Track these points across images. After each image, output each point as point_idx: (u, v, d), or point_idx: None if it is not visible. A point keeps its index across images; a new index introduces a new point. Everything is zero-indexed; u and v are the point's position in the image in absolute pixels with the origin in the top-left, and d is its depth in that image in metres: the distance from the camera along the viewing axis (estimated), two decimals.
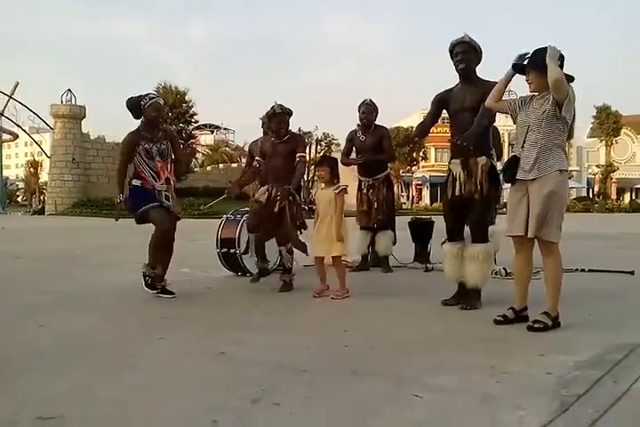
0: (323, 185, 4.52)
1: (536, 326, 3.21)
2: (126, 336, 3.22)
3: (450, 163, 4.04)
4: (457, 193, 3.90)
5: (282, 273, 4.83)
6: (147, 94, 4.41)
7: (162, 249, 4.38)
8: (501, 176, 3.58)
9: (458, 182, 3.89)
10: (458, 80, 4.03)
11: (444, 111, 4.15)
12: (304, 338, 3.13)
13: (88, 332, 3.33)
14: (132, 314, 3.88)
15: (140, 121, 4.44)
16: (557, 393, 2.21)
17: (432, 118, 4.16)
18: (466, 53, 3.91)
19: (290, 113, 4.83)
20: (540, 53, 3.23)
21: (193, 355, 2.81)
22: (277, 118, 4.76)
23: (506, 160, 3.50)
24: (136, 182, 4.35)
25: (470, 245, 3.94)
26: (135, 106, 4.38)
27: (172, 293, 4.40)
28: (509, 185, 3.48)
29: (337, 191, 4.37)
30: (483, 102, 3.71)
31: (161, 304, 4.17)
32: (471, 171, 3.86)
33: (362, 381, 2.40)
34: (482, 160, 3.86)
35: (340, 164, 4.65)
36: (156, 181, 4.36)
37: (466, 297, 3.94)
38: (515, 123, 3.45)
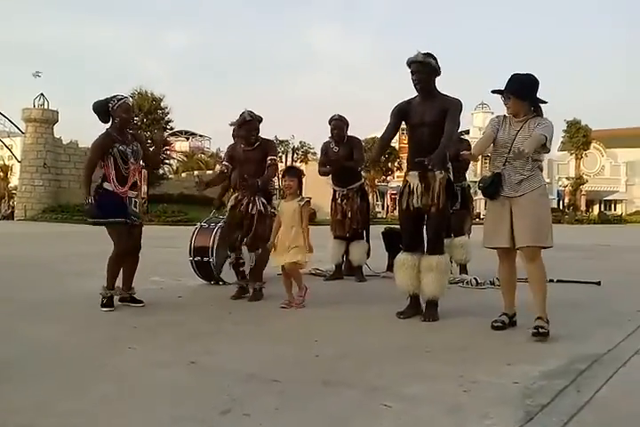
0: (286, 197, 4.52)
1: (541, 331, 3.31)
2: (95, 346, 3.18)
3: (407, 175, 4.08)
4: (415, 205, 3.93)
5: (252, 281, 4.80)
6: (114, 96, 4.26)
7: (124, 263, 4.29)
8: (480, 191, 3.67)
9: (415, 195, 3.94)
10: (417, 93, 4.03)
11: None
12: (275, 348, 3.13)
13: (56, 341, 3.27)
14: (101, 323, 3.83)
15: (109, 124, 4.29)
16: (523, 403, 2.25)
17: (392, 130, 4.15)
18: (420, 73, 3.90)
19: (260, 120, 4.82)
20: (517, 80, 3.52)
21: (163, 365, 2.78)
22: (248, 126, 4.75)
23: (488, 176, 3.60)
24: (107, 186, 4.20)
25: (427, 256, 3.97)
26: (102, 109, 4.22)
27: (140, 301, 4.35)
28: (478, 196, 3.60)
29: (302, 204, 4.39)
30: (444, 120, 3.81)
31: (131, 313, 4.12)
32: (429, 184, 3.91)
33: (332, 391, 2.42)
34: (439, 174, 3.91)
35: (304, 174, 4.65)
36: (122, 185, 4.21)
37: (425, 309, 3.96)
38: (493, 143, 3.60)
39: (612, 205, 52.46)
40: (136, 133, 4.59)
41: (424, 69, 3.90)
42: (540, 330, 3.31)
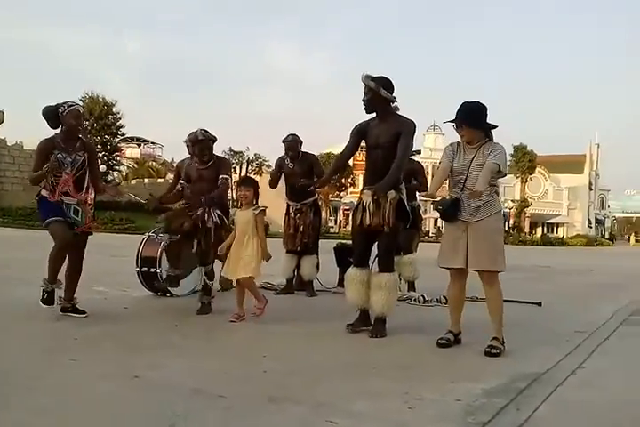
0: (241, 206, 4.51)
1: (493, 351, 3.44)
2: (35, 358, 3.06)
3: (362, 192, 4.16)
4: (366, 222, 4.00)
5: (201, 295, 4.75)
6: (65, 102, 4.20)
7: (62, 264, 4.17)
8: (439, 214, 3.79)
9: (367, 212, 4.01)
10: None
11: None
12: (223, 363, 3.10)
13: None
14: (42, 334, 3.69)
15: (58, 130, 4.22)
16: (464, 420, 2.31)
17: (351, 150, 4.24)
18: (366, 95, 4.02)
19: (213, 139, 4.78)
20: (467, 110, 3.63)
21: (106, 378, 2.70)
22: (200, 144, 4.72)
23: (447, 200, 3.70)
24: (44, 193, 4.15)
25: (377, 274, 4.05)
26: (52, 114, 4.15)
27: (83, 311, 4.22)
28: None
29: (257, 212, 4.38)
30: (397, 138, 3.92)
31: (73, 324, 3.98)
32: (380, 203, 3.98)
33: (278, 407, 2.41)
34: (391, 194, 3.99)
35: (259, 186, 4.62)
36: (51, 193, 4.11)
37: (373, 325, 4.01)
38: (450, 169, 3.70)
39: (555, 228, 54.53)
40: (87, 142, 4.45)
41: (368, 91, 4.01)
42: (493, 350, 3.44)
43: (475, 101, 3.69)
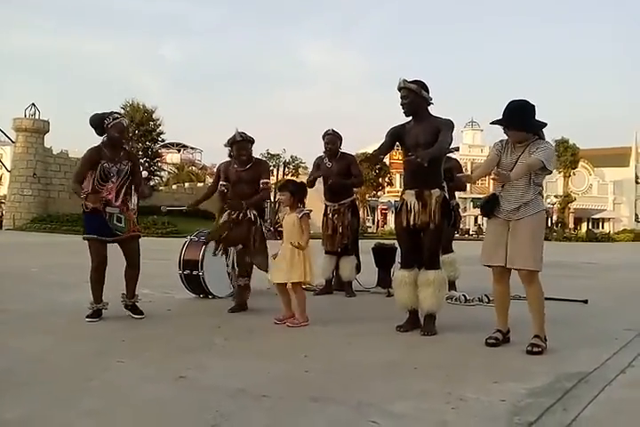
0: (288, 209, 4.54)
1: (535, 349, 3.40)
2: (84, 359, 3.17)
3: (403, 193, 4.16)
4: (411, 222, 4.02)
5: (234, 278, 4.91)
6: (111, 113, 4.34)
7: (102, 283, 4.35)
8: (479, 210, 3.83)
9: (412, 213, 4.02)
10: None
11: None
12: (265, 363, 3.14)
13: (44, 354, 3.25)
14: (91, 336, 3.81)
15: (102, 138, 4.37)
16: (510, 421, 2.27)
17: (385, 149, 4.26)
18: (405, 98, 4.06)
19: (251, 140, 4.88)
20: (514, 112, 3.52)
21: (152, 379, 2.78)
22: (238, 145, 4.82)
23: (486, 197, 3.71)
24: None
25: (424, 271, 4.05)
26: (98, 123, 4.30)
27: (141, 313, 4.40)
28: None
29: (299, 216, 4.40)
30: (437, 136, 3.91)
31: (120, 326, 4.10)
32: (425, 202, 4.00)
33: (321, 407, 2.42)
34: (435, 192, 4.01)
35: (305, 188, 4.65)
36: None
37: (424, 323, 4.03)
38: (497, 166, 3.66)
39: (600, 224, 52.95)
40: (130, 152, 4.62)
41: (408, 94, 4.04)
42: (535, 349, 3.40)
43: (521, 101, 3.56)
